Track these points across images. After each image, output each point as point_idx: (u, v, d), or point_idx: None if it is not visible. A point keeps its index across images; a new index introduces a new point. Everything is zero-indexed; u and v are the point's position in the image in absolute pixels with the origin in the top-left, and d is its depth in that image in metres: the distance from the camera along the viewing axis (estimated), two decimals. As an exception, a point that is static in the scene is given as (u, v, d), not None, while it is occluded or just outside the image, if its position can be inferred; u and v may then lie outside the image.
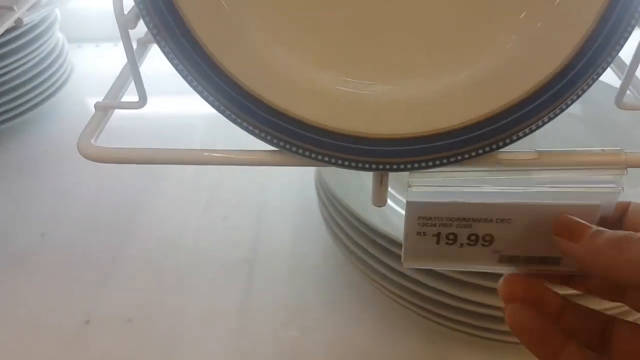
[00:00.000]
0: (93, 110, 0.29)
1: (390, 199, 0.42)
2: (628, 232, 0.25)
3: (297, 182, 0.60)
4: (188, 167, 0.63)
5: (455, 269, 0.39)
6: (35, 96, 0.69)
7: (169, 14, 0.25)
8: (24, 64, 0.66)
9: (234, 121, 0.26)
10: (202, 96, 0.26)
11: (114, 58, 0.83)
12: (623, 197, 0.45)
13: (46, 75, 0.70)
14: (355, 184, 0.44)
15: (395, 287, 0.42)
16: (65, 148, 0.64)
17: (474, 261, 0.30)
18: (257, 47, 0.25)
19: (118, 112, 0.30)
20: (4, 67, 0.64)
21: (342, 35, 0.25)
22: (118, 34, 0.26)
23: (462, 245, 0.29)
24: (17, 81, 0.66)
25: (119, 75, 0.32)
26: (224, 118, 0.26)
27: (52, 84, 0.71)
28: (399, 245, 0.39)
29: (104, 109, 0.29)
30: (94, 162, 0.27)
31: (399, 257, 0.31)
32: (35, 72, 0.68)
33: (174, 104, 0.73)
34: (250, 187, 0.60)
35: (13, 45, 0.64)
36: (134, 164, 0.27)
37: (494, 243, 0.29)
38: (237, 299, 0.48)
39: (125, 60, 0.28)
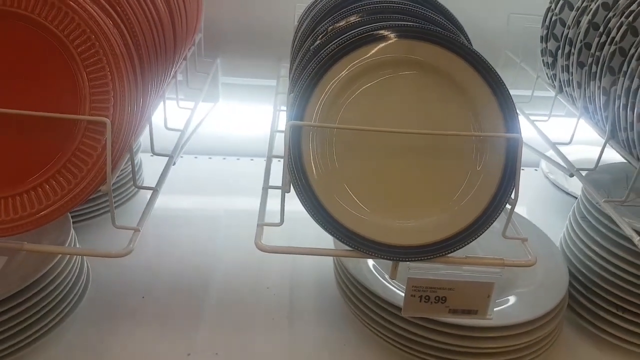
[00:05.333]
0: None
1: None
2: None
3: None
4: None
5: (430, 317, 0.69)
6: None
7: (307, 185, 0.56)
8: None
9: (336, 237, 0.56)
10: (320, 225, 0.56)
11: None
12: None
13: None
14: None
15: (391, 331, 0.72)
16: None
17: (436, 312, 0.62)
18: (347, 203, 0.57)
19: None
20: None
21: (387, 197, 0.58)
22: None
23: (432, 302, 0.61)
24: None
25: (260, 208, 0.62)
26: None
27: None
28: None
29: (261, 226, 0.59)
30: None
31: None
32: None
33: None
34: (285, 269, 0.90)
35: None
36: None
37: (447, 301, 0.61)
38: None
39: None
